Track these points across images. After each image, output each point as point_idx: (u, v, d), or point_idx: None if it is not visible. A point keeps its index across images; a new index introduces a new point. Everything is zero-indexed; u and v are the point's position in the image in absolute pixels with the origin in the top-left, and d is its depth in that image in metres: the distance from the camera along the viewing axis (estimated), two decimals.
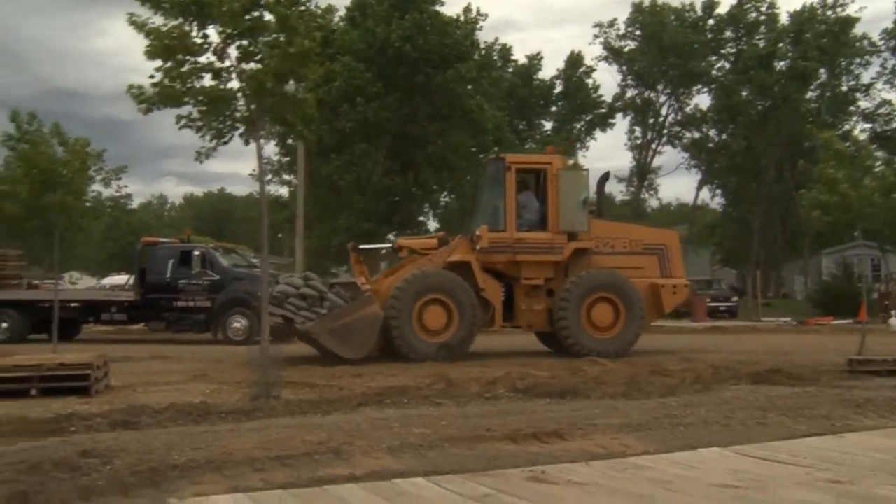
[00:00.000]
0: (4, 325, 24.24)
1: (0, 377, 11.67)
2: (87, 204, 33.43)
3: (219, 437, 7.99)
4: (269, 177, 41.20)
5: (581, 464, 6.32)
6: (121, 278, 39.18)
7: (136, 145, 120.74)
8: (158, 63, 10.87)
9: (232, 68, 10.87)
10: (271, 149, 40.62)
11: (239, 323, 23.00)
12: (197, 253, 24.25)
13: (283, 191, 45.05)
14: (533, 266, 18.26)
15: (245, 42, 10.62)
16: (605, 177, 20.67)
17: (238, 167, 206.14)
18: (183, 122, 11.09)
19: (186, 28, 10.73)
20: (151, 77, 10.96)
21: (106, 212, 50.69)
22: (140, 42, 10.73)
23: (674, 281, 19.13)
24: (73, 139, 18.75)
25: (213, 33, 10.85)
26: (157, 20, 10.85)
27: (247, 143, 11.27)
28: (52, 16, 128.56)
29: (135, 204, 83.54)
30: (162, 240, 27.38)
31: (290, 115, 11.19)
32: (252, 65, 10.83)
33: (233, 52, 10.89)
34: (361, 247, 19.79)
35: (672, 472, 5.89)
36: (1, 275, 25.83)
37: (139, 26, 10.79)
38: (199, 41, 10.81)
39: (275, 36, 10.65)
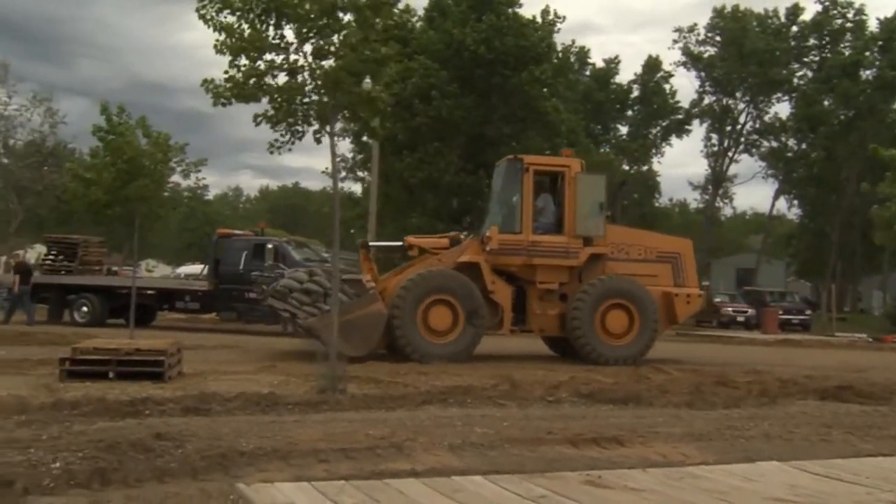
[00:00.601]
0: (85, 308, 25.06)
1: (80, 359, 12.15)
2: (166, 194, 34.32)
3: (285, 428, 8.21)
4: (343, 173, 41.71)
5: (638, 470, 6.37)
6: (195, 268, 40.06)
7: (215, 137, 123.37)
8: (232, 57, 11.18)
9: (306, 65, 11.10)
10: (346, 146, 41.16)
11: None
12: (270, 246, 24.70)
13: (357, 188, 45.60)
14: (548, 270, 17.94)
15: (321, 42, 10.82)
16: (622, 183, 20.45)
17: (313, 162, 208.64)
18: (260, 119, 11.36)
19: (260, 27, 10.98)
20: (226, 72, 11.25)
21: (183, 202, 51.97)
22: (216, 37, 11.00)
23: (688, 290, 18.87)
24: (156, 133, 19.31)
25: (289, 32, 11.10)
26: (229, 18, 11.09)
27: (318, 141, 11.50)
28: (142, 10, 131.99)
29: (211, 195, 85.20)
30: (236, 232, 27.98)
31: (363, 112, 11.40)
32: (327, 62, 11.03)
33: (307, 48, 11.10)
34: (371, 244, 19.80)
35: (729, 483, 5.91)
36: (83, 260, 26.70)
37: (210, 22, 11.05)
38: (275, 41, 11.05)
39: (350, 35, 10.81)
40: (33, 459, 6.39)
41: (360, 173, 43.73)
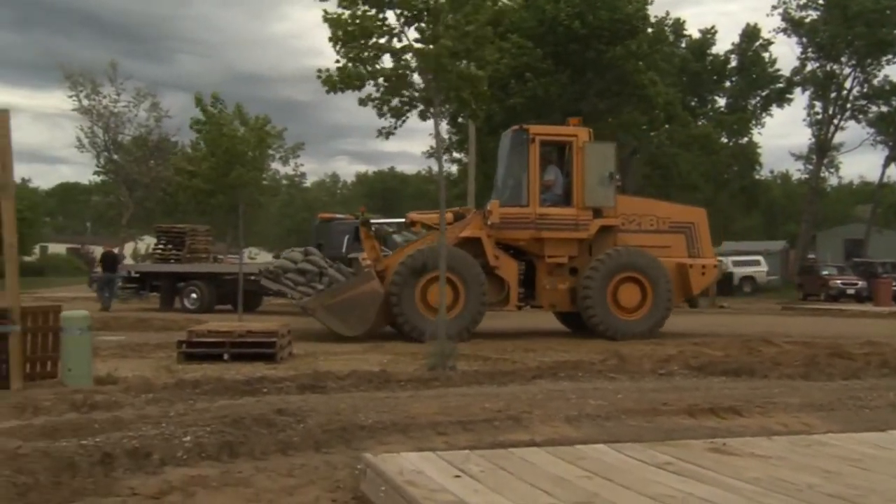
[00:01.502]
0: (194, 295, 25.75)
1: (196, 342, 12.52)
2: (265, 182, 34.99)
3: (401, 403, 8.32)
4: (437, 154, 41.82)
5: (763, 438, 6.24)
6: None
7: (311, 126, 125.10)
8: (340, 46, 11.36)
9: (409, 48, 11.18)
10: (442, 127, 41.32)
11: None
12: (392, 229, 24.93)
13: (454, 169, 45.67)
14: (556, 243, 17.42)
15: (423, 24, 10.89)
16: (633, 151, 19.63)
17: (408, 146, 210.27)
18: (365, 101, 11.51)
19: (364, 10, 11.12)
20: (337, 62, 11.44)
21: (282, 189, 52.99)
22: (320, 23, 11.22)
23: (703, 261, 18.24)
24: (254, 117, 19.62)
25: (391, 16, 11.20)
26: (337, 9, 11.26)
27: (424, 119, 11.58)
28: (239, 4, 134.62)
29: (308, 182, 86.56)
30: (338, 216, 28.33)
31: (465, 92, 11.42)
32: (428, 45, 11.10)
33: (411, 33, 11.20)
34: (372, 221, 19.21)
35: (860, 450, 5.73)
36: (191, 249, 27.45)
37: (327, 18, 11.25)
38: (378, 24, 11.17)
39: (451, 17, 10.85)
40: (166, 433, 6.63)
41: (455, 154, 43.78)
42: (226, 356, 12.35)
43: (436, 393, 9.27)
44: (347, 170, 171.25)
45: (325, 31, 11.33)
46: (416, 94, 11.37)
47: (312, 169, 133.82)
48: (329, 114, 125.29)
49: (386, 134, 11.99)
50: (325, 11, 11.28)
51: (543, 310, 18.59)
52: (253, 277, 25.60)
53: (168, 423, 7.09)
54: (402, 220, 19.32)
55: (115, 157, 42.82)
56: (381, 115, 11.75)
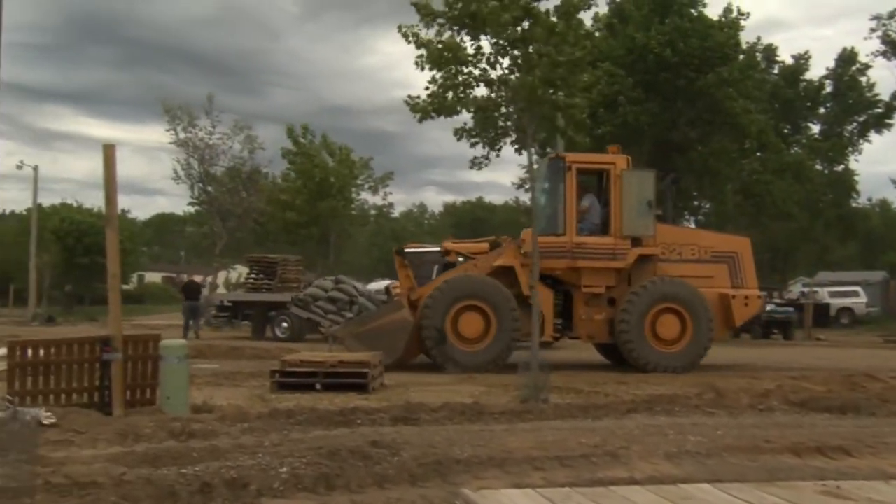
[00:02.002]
0: (285, 324, 26.05)
1: (289, 371, 12.64)
2: (354, 212, 35.44)
3: (496, 436, 8.21)
4: (528, 184, 41.65)
5: (879, 482, 5.96)
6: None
7: (400, 157, 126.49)
8: (430, 73, 11.43)
9: (503, 77, 11.17)
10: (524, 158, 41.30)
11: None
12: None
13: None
14: (593, 273, 17.05)
15: (516, 52, 10.87)
16: (674, 180, 18.88)
17: (497, 176, 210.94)
18: (460, 133, 11.53)
19: (458, 40, 11.16)
20: (426, 88, 11.50)
21: (371, 219, 53.58)
22: (408, 56, 11.31)
23: (746, 292, 17.62)
24: (338, 147, 19.88)
25: (485, 44, 11.21)
26: (429, 33, 11.31)
27: (518, 151, 11.54)
28: (329, 39, 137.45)
29: (396, 213, 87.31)
30: (426, 248, 28.38)
31: (560, 121, 11.36)
32: (521, 74, 11.07)
33: (504, 62, 11.19)
34: (407, 250, 18.99)
35: None
36: (282, 278, 27.82)
37: (412, 38, 11.30)
38: (471, 52, 11.19)
39: (544, 45, 10.80)
40: (262, 464, 6.65)
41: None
42: (318, 386, 12.45)
43: (530, 426, 9.13)
44: (435, 200, 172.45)
45: (415, 64, 11.41)
46: (510, 124, 11.34)
47: (401, 199, 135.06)
48: (418, 144, 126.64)
49: (479, 164, 11.98)
50: (413, 35, 11.32)
51: (581, 341, 18.15)
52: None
53: (264, 454, 7.12)
54: (438, 248, 19.10)
55: (209, 188, 43.86)
56: (473, 145, 11.75)
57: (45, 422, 8.59)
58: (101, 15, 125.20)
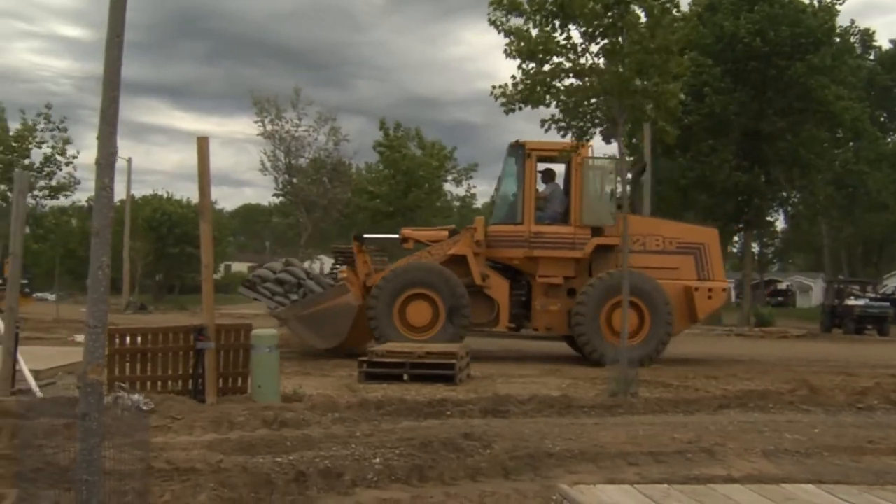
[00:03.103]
0: None
1: (377, 362, 12.72)
2: (438, 204, 35.53)
3: (586, 430, 8.13)
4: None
5: None
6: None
7: (483, 147, 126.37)
8: (518, 63, 11.32)
9: (593, 67, 11.01)
10: (614, 147, 40.78)
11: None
12: None
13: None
14: (550, 263, 16.58)
15: (606, 40, 10.70)
16: (641, 169, 18.03)
17: None
18: (547, 124, 11.43)
19: (548, 29, 11.03)
20: (513, 77, 11.41)
21: (454, 210, 53.67)
22: (493, 46, 11.25)
23: (709, 284, 16.92)
24: (430, 142, 19.90)
25: (574, 33, 11.06)
26: (517, 21, 11.21)
27: (608, 141, 11.38)
28: (415, 30, 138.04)
29: (479, 203, 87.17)
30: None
31: (651, 110, 11.17)
32: (613, 63, 10.89)
33: (593, 49, 11.03)
34: (365, 236, 18.55)
35: None
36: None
37: (499, 26, 11.22)
38: (561, 42, 11.05)
39: (636, 31, 10.60)
40: (356, 454, 6.70)
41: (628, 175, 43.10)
42: (405, 377, 12.50)
43: (621, 420, 9.02)
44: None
45: (500, 55, 11.36)
46: (598, 114, 11.18)
47: (484, 190, 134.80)
48: (501, 135, 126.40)
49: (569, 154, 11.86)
50: (503, 24, 11.24)
51: (539, 332, 17.73)
52: None
53: (356, 444, 7.17)
54: (396, 235, 18.76)
55: (295, 179, 44.43)
56: (563, 136, 11.64)
57: (145, 407, 8.80)
58: (192, 11, 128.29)
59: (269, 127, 42.87)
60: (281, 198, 49.60)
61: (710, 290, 16.93)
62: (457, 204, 51.96)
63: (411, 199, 28.54)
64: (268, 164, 44.22)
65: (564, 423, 8.71)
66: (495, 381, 13.00)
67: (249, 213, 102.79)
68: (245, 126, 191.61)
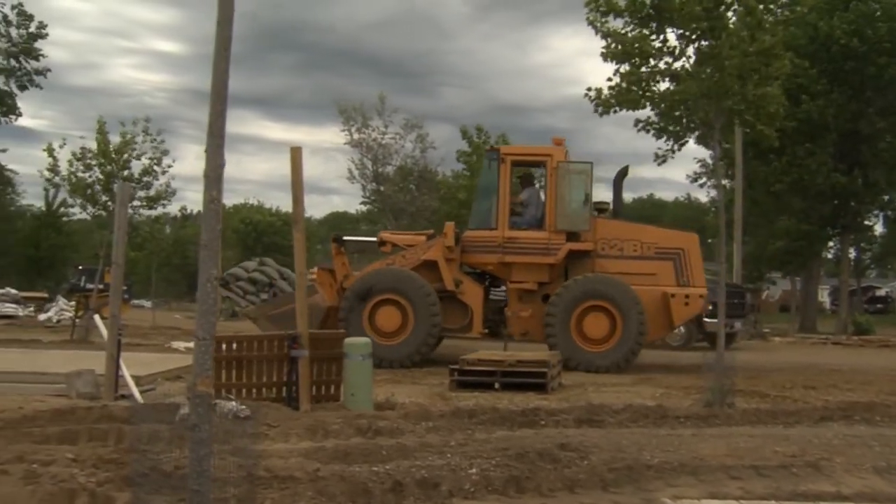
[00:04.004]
0: None
1: (468, 370, 12.71)
2: None
3: (684, 442, 7.95)
4: (703, 179, 40.54)
5: None
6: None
7: (570, 154, 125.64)
8: (613, 66, 11.18)
9: (690, 71, 10.81)
10: (705, 151, 40.04)
11: (677, 328, 22.79)
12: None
13: (714, 194, 44.11)
14: (523, 268, 16.45)
15: (704, 43, 10.50)
16: (623, 172, 17.60)
17: (667, 172, 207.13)
18: (641, 125, 11.29)
19: (645, 32, 10.87)
20: (609, 79, 11.29)
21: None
22: (580, 52, 11.14)
23: (687, 290, 16.33)
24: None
25: (671, 36, 10.89)
26: (615, 23, 11.09)
27: (706, 145, 11.17)
28: (501, 37, 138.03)
29: None
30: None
31: (750, 114, 10.90)
32: (710, 66, 10.67)
33: (690, 52, 10.84)
34: (345, 238, 18.48)
35: None
36: None
37: (597, 28, 11.11)
38: (657, 45, 10.89)
39: (736, 35, 10.35)
40: (452, 464, 6.67)
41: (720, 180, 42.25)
42: (497, 385, 12.45)
43: (718, 432, 8.80)
44: (606, 197, 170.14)
45: (587, 60, 11.25)
46: (695, 118, 10.97)
47: None
48: (589, 141, 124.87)
49: (663, 159, 11.68)
50: (599, 25, 11.13)
51: (515, 338, 17.28)
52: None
53: (452, 454, 7.14)
54: (374, 239, 18.85)
55: (381, 187, 44.77)
56: (658, 138, 11.49)
57: (241, 415, 8.93)
58: (284, 24, 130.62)
59: (355, 136, 43.37)
60: (368, 206, 50.07)
61: (687, 296, 16.58)
62: None
63: None
64: (355, 173, 44.69)
65: (661, 433, 8.54)
66: (587, 390, 12.86)
67: (337, 221, 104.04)
68: (333, 135, 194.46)
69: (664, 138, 11.57)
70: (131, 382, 10.74)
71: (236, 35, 4.31)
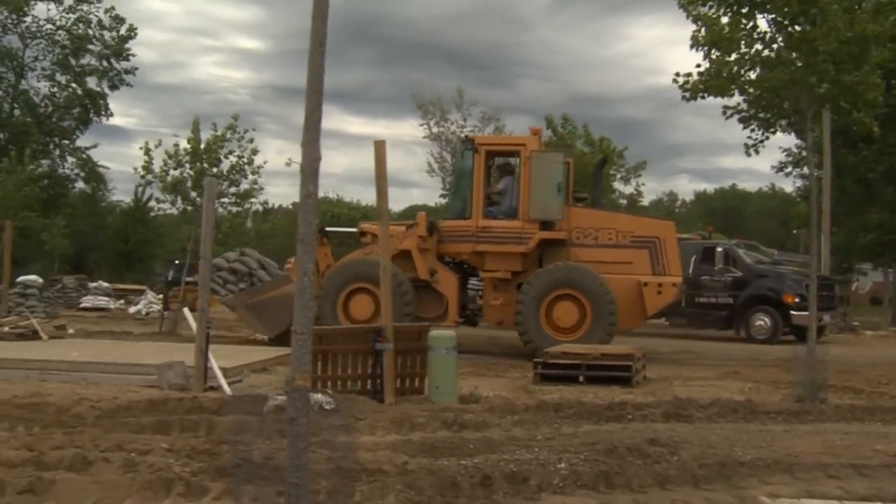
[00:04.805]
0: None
1: (552, 363, 12.62)
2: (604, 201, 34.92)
3: (776, 438, 7.76)
4: (789, 168, 39.48)
5: None
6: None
7: (650, 144, 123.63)
8: (694, 53, 10.94)
9: (781, 57, 10.51)
10: (791, 139, 39.02)
11: (762, 321, 22.34)
12: (720, 249, 24.00)
13: (799, 183, 43.01)
14: (496, 257, 16.45)
15: (797, 28, 10.19)
16: (603, 162, 16.91)
17: (752, 162, 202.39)
18: (730, 111, 11.06)
19: (735, 17, 10.61)
20: (698, 65, 11.05)
21: (621, 208, 52.86)
22: (661, 41, 10.91)
23: (660, 279, 16.18)
24: (598, 138, 19.68)
25: (761, 22, 10.60)
26: (706, 10, 10.85)
27: (798, 133, 10.87)
28: (581, 28, 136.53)
29: (645, 201, 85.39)
30: (684, 236, 27.67)
31: (846, 102, 10.56)
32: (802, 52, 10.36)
33: (781, 39, 10.54)
34: (328, 229, 18.50)
35: None
36: None
37: (688, 13, 10.89)
38: (747, 31, 10.63)
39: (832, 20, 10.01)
40: (540, 458, 6.63)
41: (807, 169, 41.09)
42: (581, 378, 12.33)
43: (811, 428, 8.57)
44: (687, 188, 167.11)
45: (667, 49, 11.05)
46: (786, 106, 10.67)
47: (652, 188, 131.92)
48: (669, 131, 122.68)
49: (753, 149, 11.39)
50: (690, 10, 10.90)
51: (491, 327, 17.50)
52: None
53: (539, 448, 7.10)
54: (355, 229, 18.85)
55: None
56: (746, 128, 11.21)
57: (327, 407, 9.02)
58: (363, 18, 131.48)
59: (434, 129, 43.53)
60: (447, 198, 50.24)
61: (659, 284, 16.40)
62: (623, 202, 51.23)
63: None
64: (434, 166, 44.88)
65: (752, 429, 8.36)
66: (672, 384, 12.66)
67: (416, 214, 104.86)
68: (411, 129, 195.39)
69: (752, 127, 11.27)
70: (220, 374, 10.94)
71: None
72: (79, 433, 7.50)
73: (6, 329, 16.31)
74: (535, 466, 6.37)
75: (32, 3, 47.97)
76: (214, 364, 10.99)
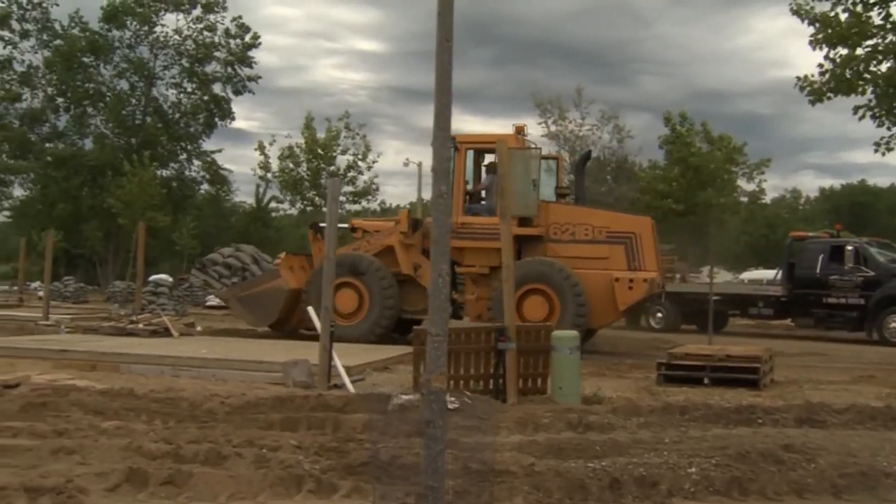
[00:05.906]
0: (660, 315, 25.76)
1: (676, 364, 12.37)
2: (722, 200, 34.27)
3: None
4: None
5: None
6: (760, 273, 39.10)
7: (774, 140, 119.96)
8: (823, 51, 10.56)
9: None
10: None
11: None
12: (850, 248, 23.11)
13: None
14: (474, 253, 16.76)
15: None
16: (586, 157, 17.38)
17: (885, 158, 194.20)
18: (861, 110, 10.60)
19: (859, 10, 10.21)
20: (820, 66, 10.68)
21: (742, 206, 51.55)
22: (786, 33, 10.57)
23: (633, 274, 16.31)
24: (717, 136, 19.27)
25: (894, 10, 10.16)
26: (822, 7, 10.48)
27: None
28: (700, 21, 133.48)
29: (767, 198, 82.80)
30: (811, 234, 26.77)
31: None
32: None
33: None
34: (321, 225, 17.91)
35: None
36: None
37: (803, 15, 10.55)
38: (878, 23, 10.20)
39: None
40: (669, 462, 6.48)
41: None
42: (706, 380, 12.04)
43: None
44: (811, 184, 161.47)
45: (791, 41, 10.69)
46: None
47: (774, 185, 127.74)
48: (794, 126, 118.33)
49: (885, 146, 10.91)
50: (806, 12, 10.55)
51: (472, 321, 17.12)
52: (717, 298, 25.07)
53: (667, 451, 6.95)
54: (346, 225, 19.22)
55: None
56: (879, 125, 10.75)
57: (451, 407, 9.04)
58: (481, 18, 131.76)
59: (552, 128, 43.24)
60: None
61: (631, 280, 16.40)
62: (744, 199, 49.91)
63: (703, 197, 27.53)
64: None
65: (894, 438, 7.98)
66: (802, 388, 12.25)
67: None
68: (529, 127, 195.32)
69: (886, 126, 10.79)
70: (343, 372, 11.11)
71: (433, 33, 4.29)
72: (211, 428, 7.73)
73: (141, 326, 16.97)
74: (664, 470, 6.23)
75: (162, 13, 50.01)
76: (338, 362, 11.17)
